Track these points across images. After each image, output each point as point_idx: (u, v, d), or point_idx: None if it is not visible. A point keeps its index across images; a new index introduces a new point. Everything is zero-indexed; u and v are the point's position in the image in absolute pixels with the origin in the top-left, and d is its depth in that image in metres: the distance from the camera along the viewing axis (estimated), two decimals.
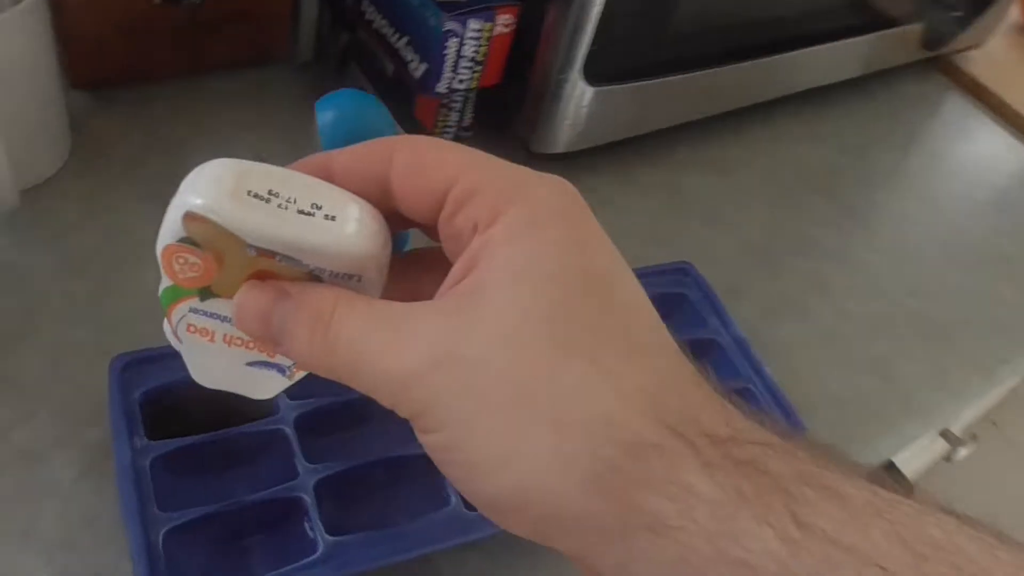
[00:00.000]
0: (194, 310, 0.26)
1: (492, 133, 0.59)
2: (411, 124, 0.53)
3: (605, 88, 0.53)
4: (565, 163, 0.57)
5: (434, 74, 0.51)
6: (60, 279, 0.46)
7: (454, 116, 0.56)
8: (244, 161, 0.23)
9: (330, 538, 0.35)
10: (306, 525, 0.36)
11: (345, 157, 0.25)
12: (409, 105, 0.55)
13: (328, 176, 0.24)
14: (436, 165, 0.24)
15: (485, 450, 0.21)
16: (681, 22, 0.55)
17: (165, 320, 0.26)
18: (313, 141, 0.27)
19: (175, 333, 0.26)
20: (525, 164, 0.59)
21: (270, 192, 0.23)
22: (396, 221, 0.25)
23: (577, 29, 0.50)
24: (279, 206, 0.23)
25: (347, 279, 0.24)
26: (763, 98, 0.65)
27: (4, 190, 0.44)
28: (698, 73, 0.57)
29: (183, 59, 0.56)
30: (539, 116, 0.53)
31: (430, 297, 0.23)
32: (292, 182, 0.24)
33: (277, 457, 0.38)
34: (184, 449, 0.37)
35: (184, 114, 0.55)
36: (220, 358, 0.27)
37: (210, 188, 0.22)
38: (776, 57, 0.62)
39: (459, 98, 0.56)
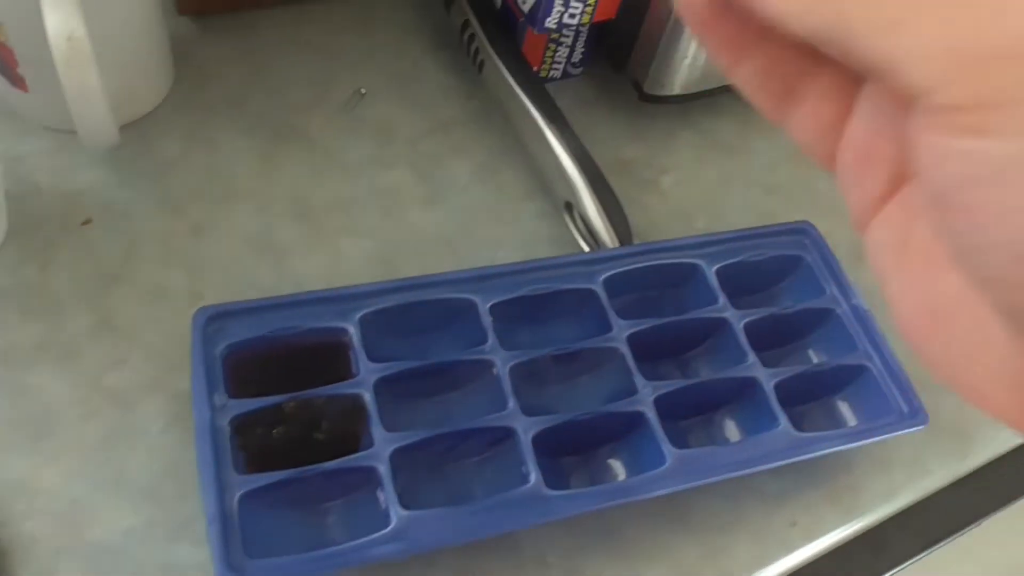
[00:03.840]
0: None
1: (604, 72, 0.55)
2: (518, 61, 0.50)
3: None
4: (681, 104, 0.53)
5: (543, 7, 0.47)
6: (158, 218, 0.46)
7: (563, 51, 0.53)
8: None
9: (403, 512, 0.34)
10: (380, 496, 0.36)
11: None
12: (517, 41, 0.51)
13: None
14: None
15: None
16: None
17: None
18: None
19: None
20: (637, 108, 0.55)
21: None
22: None
23: None
24: None
25: None
26: None
27: (105, 129, 0.44)
28: None
29: None
30: (654, 55, 0.49)
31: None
32: None
33: (357, 422, 0.37)
34: (264, 410, 0.37)
35: (288, 45, 0.54)
36: None
37: None
38: None
39: (570, 32, 0.52)
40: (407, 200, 0.48)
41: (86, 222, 0.45)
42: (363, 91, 0.52)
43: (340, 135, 0.50)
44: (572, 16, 0.48)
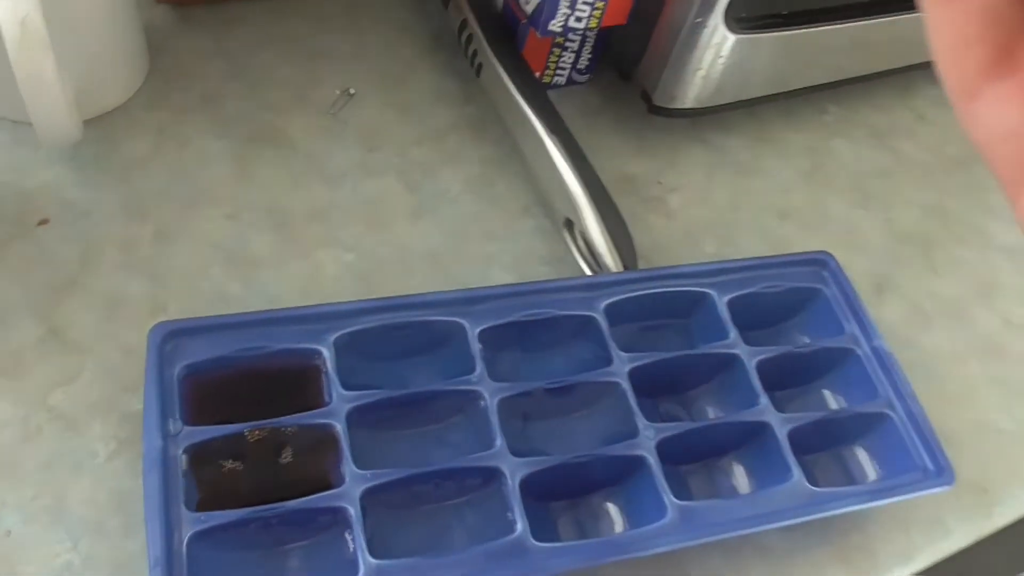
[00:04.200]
0: None
1: (612, 80, 0.51)
2: (519, 65, 0.46)
3: (750, 36, 0.45)
4: (691, 118, 0.50)
5: (547, 9, 0.44)
6: (120, 222, 0.42)
7: (568, 57, 0.49)
8: None
9: (373, 561, 0.31)
10: (348, 540, 0.32)
11: None
12: (518, 44, 0.48)
13: None
14: None
15: None
16: None
17: None
18: None
19: None
20: (645, 120, 0.51)
21: None
22: None
23: None
24: None
25: None
26: None
27: (64, 123, 0.40)
28: (862, 23, 0.48)
29: None
30: (666, 65, 0.46)
31: None
32: None
33: (326, 456, 0.34)
34: (224, 439, 0.33)
35: (270, 40, 0.50)
36: None
37: None
38: None
39: (576, 37, 0.48)
40: (393, 211, 0.45)
41: (42, 222, 0.41)
42: (352, 91, 0.48)
43: (323, 139, 0.47)
44: (579, 20, 0.45)
